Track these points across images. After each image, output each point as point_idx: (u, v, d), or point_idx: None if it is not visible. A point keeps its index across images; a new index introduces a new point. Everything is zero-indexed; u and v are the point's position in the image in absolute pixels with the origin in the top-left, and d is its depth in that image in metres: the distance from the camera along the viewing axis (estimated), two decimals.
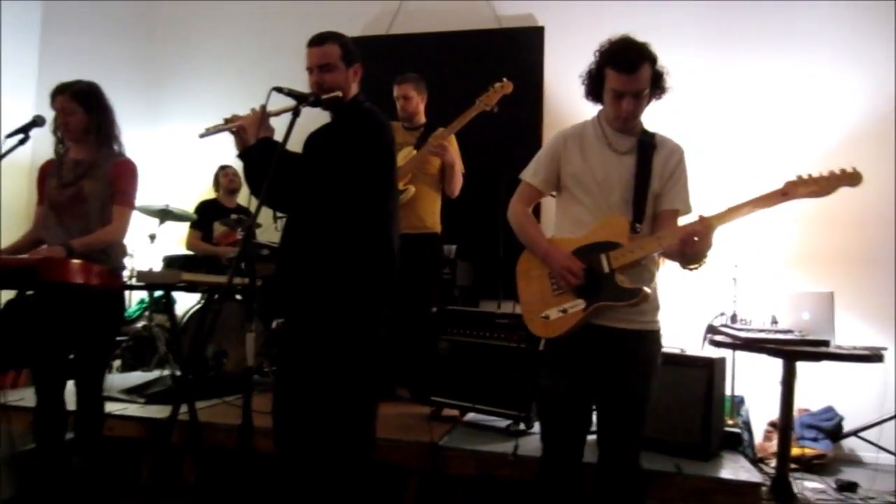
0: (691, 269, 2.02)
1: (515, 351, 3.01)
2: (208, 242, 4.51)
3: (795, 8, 4.43)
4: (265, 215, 3.24)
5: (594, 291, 2.01)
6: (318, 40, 2.24)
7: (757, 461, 3.77)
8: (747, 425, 3.81)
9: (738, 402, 3.80)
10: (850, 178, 1.89)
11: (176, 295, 4.45)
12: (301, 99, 2.19)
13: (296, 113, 2.17)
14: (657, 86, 2.09)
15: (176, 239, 4.92)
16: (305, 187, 2.18)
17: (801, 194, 1.92)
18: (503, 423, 3.03)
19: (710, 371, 2.77)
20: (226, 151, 5.28)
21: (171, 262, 4.21)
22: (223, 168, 4.75)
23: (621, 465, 2.06)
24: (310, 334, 2.20)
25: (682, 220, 2.13)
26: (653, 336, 2.09)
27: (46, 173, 2.74)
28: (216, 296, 2.97)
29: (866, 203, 3.97)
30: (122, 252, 2.76)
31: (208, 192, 5.16)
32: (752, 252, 4.37)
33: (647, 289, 2.00)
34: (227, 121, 2.39)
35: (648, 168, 2.08)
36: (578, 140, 2.14)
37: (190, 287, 2.93)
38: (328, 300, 2.16)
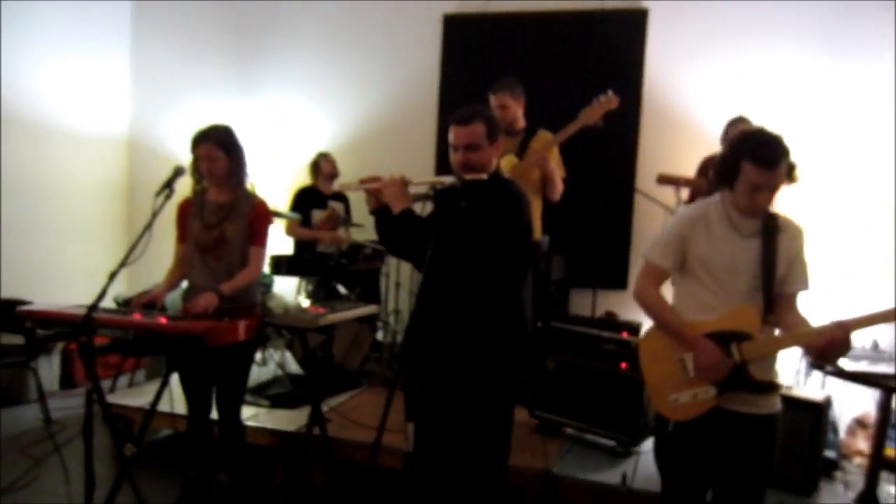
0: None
1: (622, 377, 3.14)
2: (306, 227, 4.66)
3: None
4: (366, 218, 3.34)
5: (726, 380, 2.08)
6: (465, 119, 2.25)
7: (840, 458, 3.90)
8: (834, 425, 3.91)
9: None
10: None
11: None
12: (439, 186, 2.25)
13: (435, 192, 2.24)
14: (789, 177, 2.08)
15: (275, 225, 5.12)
16: (447, 252, 2.28)
17: None
18: (605, 440, 3.21)
19: (819, 414, 2.86)
20: (321, 135, 5.47)
21: (278, 263, 4.39)
22: (324, 155, 4.80)
23: None
24: (450, 393, 2.35)
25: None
26: (776, 418, 2.16)
27: (187, 213, 2.89)
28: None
29: None
30: (258, 288, 2.95)
31: (299, 175, 5.31)
32: (851, 259, 4.32)
33: (779, 381, 2.07)
34: (363, 181, 2.48)
35: (774, 252, 2.08)
36: (704, 222, 2.14)
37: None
38: (470, 366, 2.29)
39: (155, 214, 2.52)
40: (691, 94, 4.64)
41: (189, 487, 3.00)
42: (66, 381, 4.94)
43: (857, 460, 4.11)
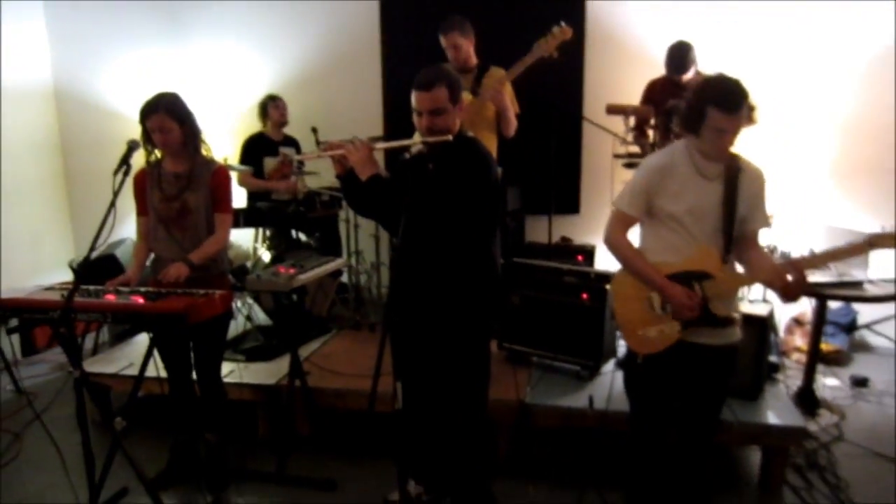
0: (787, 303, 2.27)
1: (584, 308, 3.33)
2: (259, 178, 4.60)
3: None
4: (320, 163, 3.33)
5: None
6: (427, 84, 2.25)
7: (780, 355, 4.27)
8: (775, 328, 4.25)
9: None
10: None
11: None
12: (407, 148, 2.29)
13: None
14: (750, 119, 2.19)
15: None
16: (421, 216, 2.34)
17: (884, 245, 2.09)
18: (570, 366, 3.43)
19: (763, 328, 3.11)
20: (261, 79, 5.27)
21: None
22: (273, 99, 4.67)
23: (701, 444, 2.45)
24: (431, 342, 2.49)
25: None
26: (736, 347, 2.35)
27: (144, 185, 2.84)
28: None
29: None
30: (227, 254, 2.96)
31: (244, 120, 5.17)
32: (791, 163, 4.58)
33: (736, 315, 2.26)
34: (325, 148, 2.48)
35: (736, 194, 2.22)
36: (670, 169, 2.25)
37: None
38: (447, 316, 2.43)
39: (116, 193, 2.46)
40: (632, 20, 4.69)
41: (178, 451, 3.10)
42: (27, 349, 4.89)
43: (795, 356, 4.53)
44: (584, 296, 3.33)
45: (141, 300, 2.40)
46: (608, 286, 3.16)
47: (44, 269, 5.34)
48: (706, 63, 4.13)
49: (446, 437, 2.64)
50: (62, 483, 2.95)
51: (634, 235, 2.39)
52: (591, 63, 4.82)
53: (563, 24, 3.53)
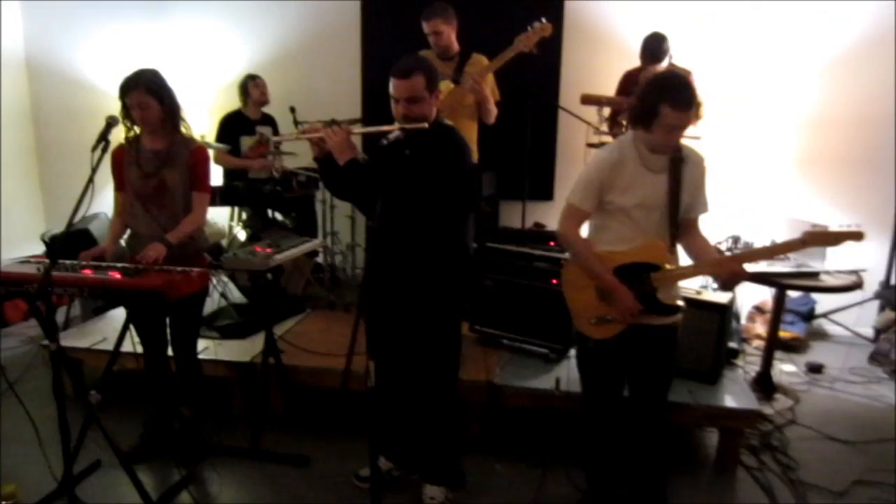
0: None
1: (554, 292, 3.42)
2: (235, 156, 4.60)
3: None
4: (298, 145, 3.36)
5: None
6: (404, 73, 2.30)
7: (742, 341, 4.44)
8: (736, 315, 4.41)
9: None
10: (856, 236, 2.13)
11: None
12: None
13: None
14: (696, 115, 2.30)
15: None
16: (397, 200, 2.41)
17: (817, 243, 2.21)
18: (539, 349, 3.53)
19: (724, 314, 3.24)
20: (239, 57, 5.24)
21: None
22: (253, 78, 4.64)
23: (653, 422, 2.57)
24: (404, 322, 2.58)
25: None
26: (678, 325, 2.46)
27: (122, 161, 2.85)
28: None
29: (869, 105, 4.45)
30: (204, 232, 2.99)
31: (221, 97, 5.15)
32: (756, 156, 4.73)
33: (681, 303, 2.41)
34: (303, 131, 2.52)
35: (680, 184, 2.31)
36: (619, 164, 2.32)
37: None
38: (420, 297, 2.51)
39: (94, 170, 2.46)
40: (610, 13, 4.77)
41: (152, 424, 3.14)
42: None
43: (756, 343, 4.70)
44: (555, 281, 3.42)
45: (118, 276, 2.43)
46: None
47: (13, 242, 5.28)
48: (679, 57, 4.22)
49: (417, 415, 2.72)
50: (35, 455, 2.97)
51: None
52: (568, 53, 4.89)
53: (543, 20, 3.59)
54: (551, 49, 4.70)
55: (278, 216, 4.60)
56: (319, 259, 4.82)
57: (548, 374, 3.33)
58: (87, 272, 2.47)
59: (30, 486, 2.84)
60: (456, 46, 3.84)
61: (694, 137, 4.18)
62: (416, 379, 2.65)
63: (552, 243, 4.68)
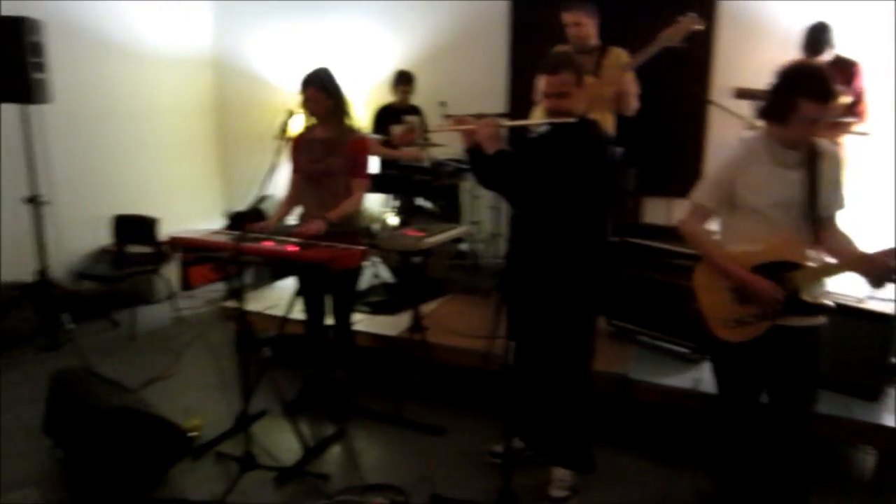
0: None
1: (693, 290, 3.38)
2: (388, 147, 4.92)
3: None
4: (447, 136, 3.57)
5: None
6: (554, 68, 2.42)
7: None
8: None
9: None
10: None
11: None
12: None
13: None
14: (859, 110, 2.18)
15: None
16: (540, 192, 2.52)
17: None
18: (678, 347, 3.50)
19: (887, 324, 3.01)
20: (390, 55, 5.60)
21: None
22: (404, 74, 5.01)
23: (794, 431, 2.44)
24: (542, 311, 2.68)
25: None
26: (818, 328, 2.32)
27: (299, 147, 3.22)
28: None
29: None
30: (360, 215, 3.31)
31: (375, 92, 5.51)
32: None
33: (829, 303, 2.26)
34: (455, 122, 2.69)
35: (818, 180, 2.19)
36: (749, 162, 2.25)
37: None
38: (557, 287, 2.61)
39: (277, 154, 2.83)
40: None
41: (309, 383, 3.52)
42: (185, 284, 5.56)
43: None
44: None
45: (294, 248, 2.76)
46: None
47: (197, 216, 6.01)
48: (846, 49, 3.96)
49: (550, 399, 2.83)
50: (213, 397, 3.43)
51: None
52: (721, 42, 4.69)
53: (691, 14, 3.46)
54: (700, 41, 4.56)
55: (427, 203, 4.87)
56: (462, 246, 5.04)
57: (682, 373, 3.30)
58: (268, 244, 2.83)
59: (208, 423, 3.31)
60: (596, 39, 3.81)
61: (863, 134, 3.92)
62: (551, 365, 2.74)
63: None
